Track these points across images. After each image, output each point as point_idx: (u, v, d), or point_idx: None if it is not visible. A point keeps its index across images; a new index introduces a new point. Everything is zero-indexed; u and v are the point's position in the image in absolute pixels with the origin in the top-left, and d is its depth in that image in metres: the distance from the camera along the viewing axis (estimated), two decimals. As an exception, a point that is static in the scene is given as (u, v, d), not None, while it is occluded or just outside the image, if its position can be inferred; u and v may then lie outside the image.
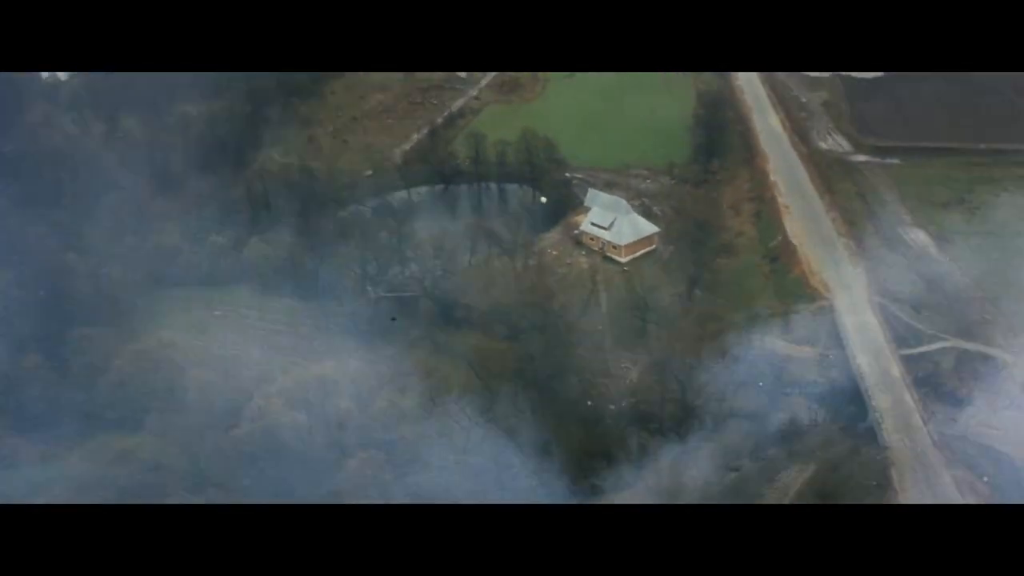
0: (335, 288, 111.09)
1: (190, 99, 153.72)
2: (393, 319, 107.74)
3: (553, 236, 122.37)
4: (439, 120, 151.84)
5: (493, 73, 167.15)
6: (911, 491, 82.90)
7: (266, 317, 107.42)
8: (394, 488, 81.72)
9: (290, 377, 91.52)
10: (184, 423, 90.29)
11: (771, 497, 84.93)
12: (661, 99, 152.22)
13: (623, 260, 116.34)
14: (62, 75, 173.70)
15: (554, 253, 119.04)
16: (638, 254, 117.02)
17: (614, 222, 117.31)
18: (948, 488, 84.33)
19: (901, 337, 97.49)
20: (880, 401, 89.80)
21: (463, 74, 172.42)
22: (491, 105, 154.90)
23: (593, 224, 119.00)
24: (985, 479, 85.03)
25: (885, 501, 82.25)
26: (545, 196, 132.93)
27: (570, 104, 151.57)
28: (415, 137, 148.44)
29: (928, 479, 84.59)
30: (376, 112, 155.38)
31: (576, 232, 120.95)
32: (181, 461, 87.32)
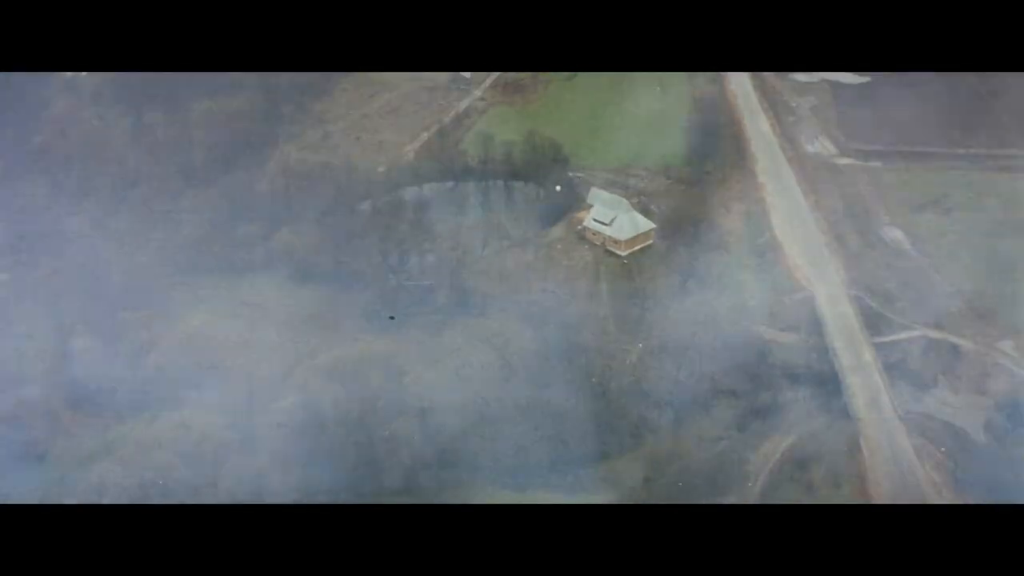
0: (359, 276, 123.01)
1: (209, 96, 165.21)
2: (392, 318, 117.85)
3: (558, 231, 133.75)
4: (447, 119, 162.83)
5: (496, 74, 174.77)
6: (876, 456, 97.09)
7: (297, 303, 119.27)
8: (425, 451, 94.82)
9: (326, 356, 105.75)
10: (231, 398, 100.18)
11: (756, 461, 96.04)
12: (658, 103, 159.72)
13: (623, 254, 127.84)
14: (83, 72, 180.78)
15: (560, 247, 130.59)
16: (637, 248, 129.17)
17: (615, 219, 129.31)
18: (909, 455, 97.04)
19: (874, 326, 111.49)
20: (853, 382, 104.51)
21: (467, 75, 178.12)
22: (495, 106, 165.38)
23: (595, 220, 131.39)
24: (943, 449, 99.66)
25: (854, 464, 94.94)
26: (552, 190, 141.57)
27: (571, 107, 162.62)
28: (424, 136, 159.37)
29: (892, 447, 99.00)
30: (385, 111, 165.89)
31: (580, 228, 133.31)
32: (230, 432, 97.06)
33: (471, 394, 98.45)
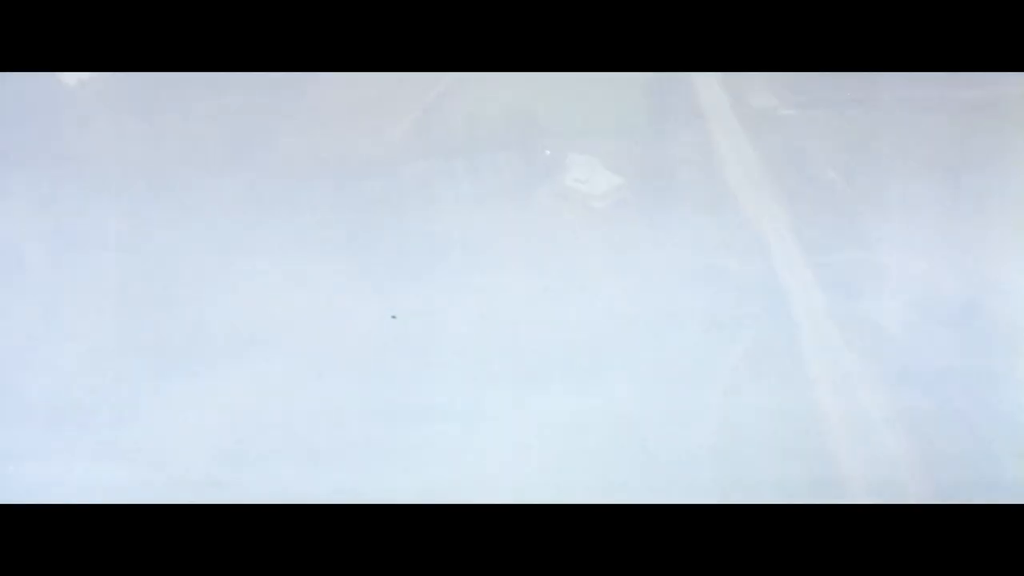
0: (373, 247, 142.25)
1: (210, 95, 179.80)
2: (393, 317, 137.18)
3: (542, 193, 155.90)
4: (429, 99, 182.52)
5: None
6: (812, 348, 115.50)
7: (323, 273, 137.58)
8: (452, 364, 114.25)
9: (366, 311, 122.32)
10: (286, 353, 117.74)
11: (720, 359, 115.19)
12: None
13: (599, 206, 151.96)
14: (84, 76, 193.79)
15: (545, 205, 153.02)
16: (610, 202, 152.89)
17: (589, 178, 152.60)
18: (839, 345, 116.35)
19: (811, 249, 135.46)
20: (796, 296, 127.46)
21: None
22: (468, 84, 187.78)
23: (574, 180, 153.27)
24: (865, 339, 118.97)
25: (795, 355, 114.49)
26: (533, 158, 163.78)
27: (538, 79, 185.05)
28: (409, 117, 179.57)
29: (824, 341, 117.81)
30: (370, 96, 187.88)
31: (559, 189, 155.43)
32: (295, 377, 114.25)
33: (493, 327, 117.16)
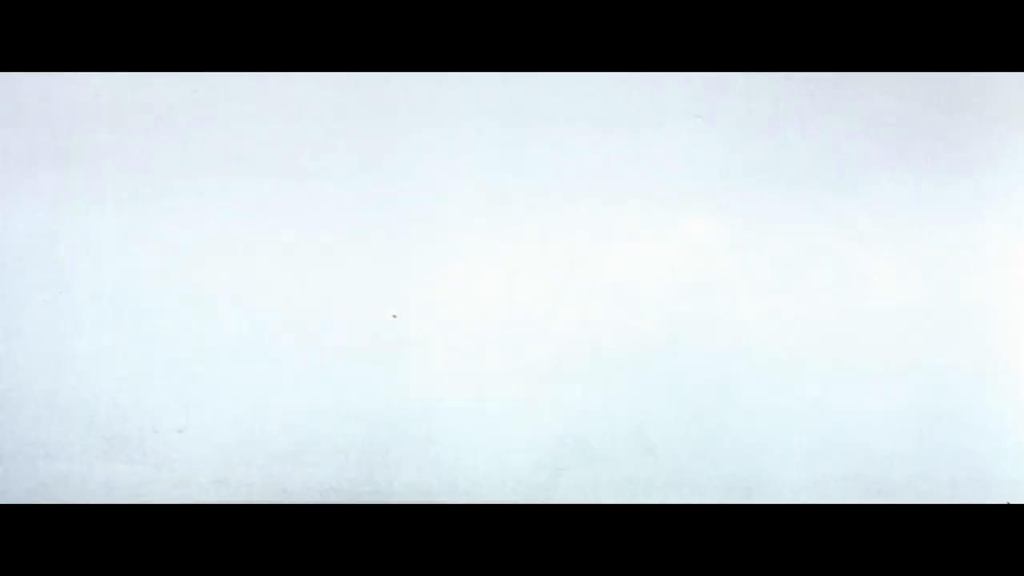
0: (375, 252, 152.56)
1: (203, 97, 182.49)
2: (394, 316, 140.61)
3: (543, 194, 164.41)
4: (431, 98, 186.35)
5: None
6: (807, 343, 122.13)
7: (323, 279, 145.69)
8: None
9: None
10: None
11: None
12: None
13: (599, 209, 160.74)
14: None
15: (547, 205, 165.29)
16: (609, 203, 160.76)
17: (590, 179, 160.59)
18: (833, 338, 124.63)
19: (810, 249, 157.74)
20: (793, 295, 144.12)
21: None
22: (470, 83, 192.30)
23: (576, 181, 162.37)
24: None
25: (786, 353, 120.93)
26: (535, 161, 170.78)
27: (537, 79, 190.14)
28: (411, 117, 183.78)
29: (817, 336, 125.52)
30: (371, 96, 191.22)
31: (561, 189, 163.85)
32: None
33: (494, 327, 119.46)
